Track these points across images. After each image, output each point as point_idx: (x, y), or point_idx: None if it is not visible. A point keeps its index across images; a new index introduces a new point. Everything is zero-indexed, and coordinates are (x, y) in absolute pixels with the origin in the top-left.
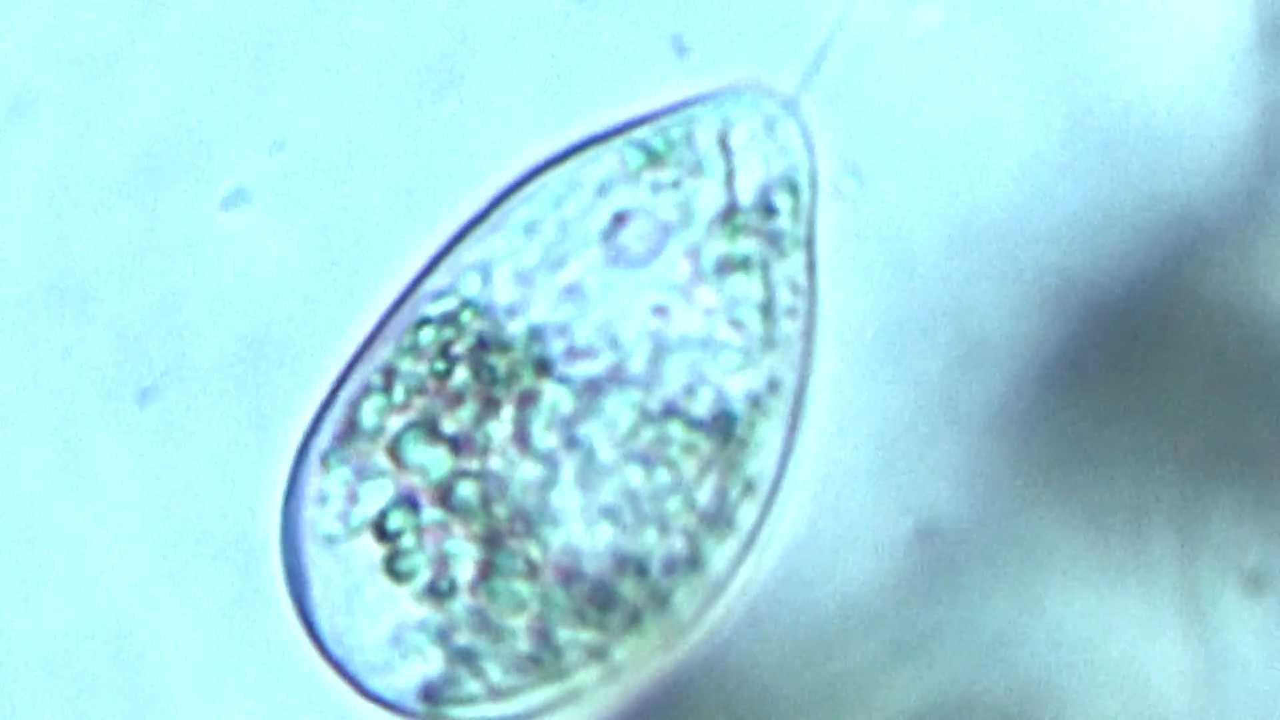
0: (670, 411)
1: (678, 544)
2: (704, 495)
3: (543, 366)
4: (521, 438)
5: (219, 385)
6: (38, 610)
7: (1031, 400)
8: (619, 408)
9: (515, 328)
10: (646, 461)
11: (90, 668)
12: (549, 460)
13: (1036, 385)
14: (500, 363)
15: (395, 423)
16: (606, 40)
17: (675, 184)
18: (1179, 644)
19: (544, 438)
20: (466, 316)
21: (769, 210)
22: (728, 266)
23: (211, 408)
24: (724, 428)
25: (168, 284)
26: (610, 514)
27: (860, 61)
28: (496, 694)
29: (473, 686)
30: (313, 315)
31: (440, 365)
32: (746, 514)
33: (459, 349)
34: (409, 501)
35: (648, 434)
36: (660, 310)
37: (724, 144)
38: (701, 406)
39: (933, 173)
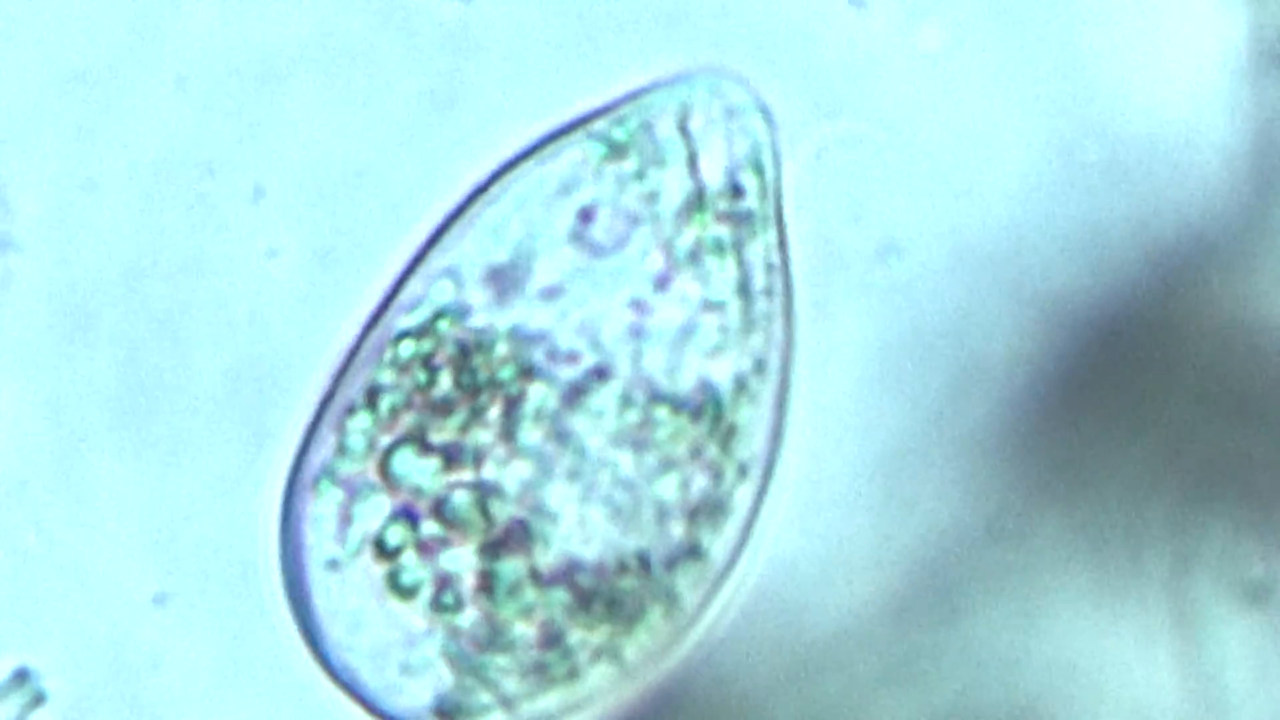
0: (656, 397)
1: (675, 531)
2: (697, 479)
3: (525, 370)
4: (508, 438)
5: (220, 404)
6: (37, 631)
7: (1029, 419)
8: (604, 400)
9: (493, 332)
10: (635, 447)
11: (89, 689)
12: (538, 457)
13: (1035, 404)
14: (481, 367)
15: (384, 439)
16: (607, 57)
17: (639, 174)
18: (1175, 662)
19: (531, 434)
20: (443, 324)
21: (736, 191)
22: (700, 251)
23: (212, 427)
24: (709, 407)
25: (169, 304)
26: (605, 505)
27: (861, 82)
28: (509, 703)
29: (485, 697)
30: (313, 335)
31: (422, 376)
32: (742, 497)
33: (439, 359)
34: (407, 516)
35: (633, 420)
36: (638, 304)
37: (684, 129)
38: (685, 389)
39: (932, 192)
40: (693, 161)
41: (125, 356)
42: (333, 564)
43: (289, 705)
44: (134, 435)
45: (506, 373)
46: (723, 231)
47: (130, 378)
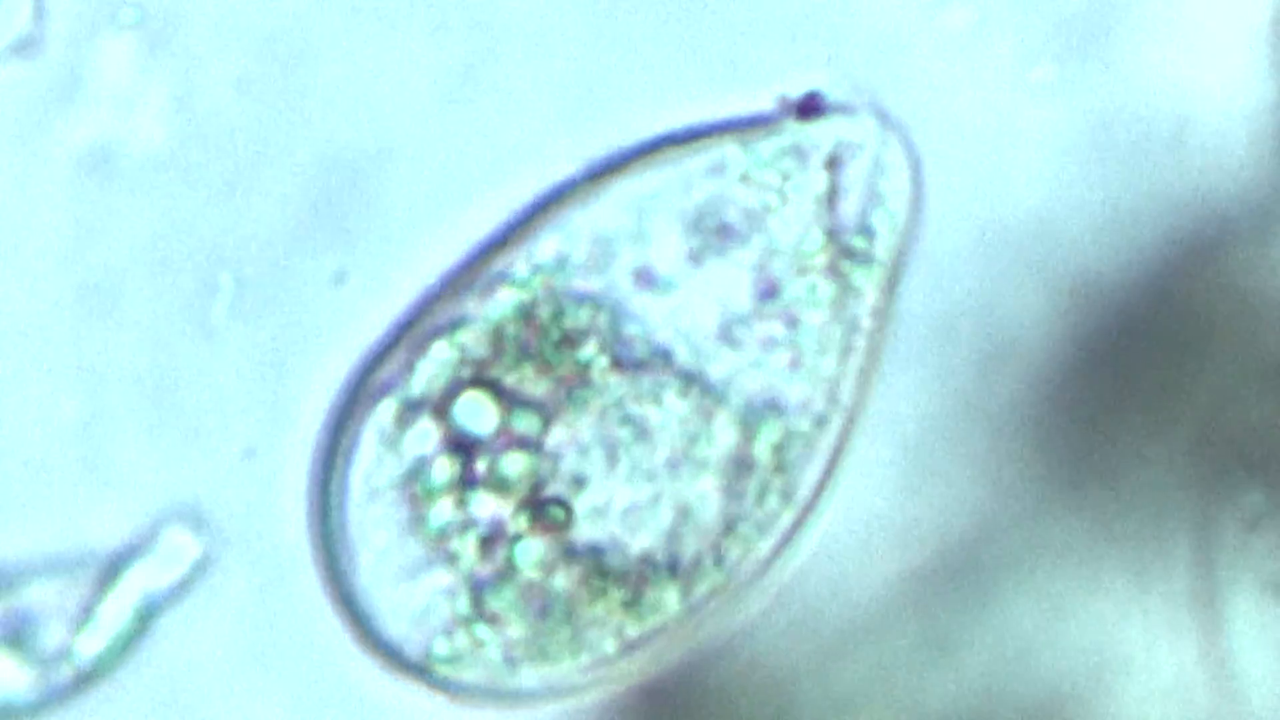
0: (720, 406)
1: (708, 536)
2: (740, 493)
3: (607, 348)
4: (572, 410)
5: (248, 381)
6: None
7: (1056, 401)
8: (673, 398)
9: (587, 302)
10: (688, 449)
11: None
12: (595, 437)
13: (1062, 386)
14: (569, 333)
15: (451, 379)
16: (632, 44)
17: (779, 191)
18: (1201, 648)
19: (593, 413)
20: (543, 280)
21: (865, 233)
22: (807, 283)
23: (240, 404)
24: (768, 427)
25: (196, 279)
26: (646, 497)
27: (887, 62)
28: (511, 658)
29: (491, 650)
30: (336, 316)
31: (510, 326)
32: (782, 520)
33: (532, 311)
34: (454, 454)
35: (695, 424)
36: (735, 315)
37: (832, 161)
38: (749, 405)
39: (958, 173)
40: (830, 195)
41: (151, 332)
42: (370, 488)
43: (321, 672)
44: (160, 411)
45: (590, 347)
46: (840, 266)
47: (156, 353)
